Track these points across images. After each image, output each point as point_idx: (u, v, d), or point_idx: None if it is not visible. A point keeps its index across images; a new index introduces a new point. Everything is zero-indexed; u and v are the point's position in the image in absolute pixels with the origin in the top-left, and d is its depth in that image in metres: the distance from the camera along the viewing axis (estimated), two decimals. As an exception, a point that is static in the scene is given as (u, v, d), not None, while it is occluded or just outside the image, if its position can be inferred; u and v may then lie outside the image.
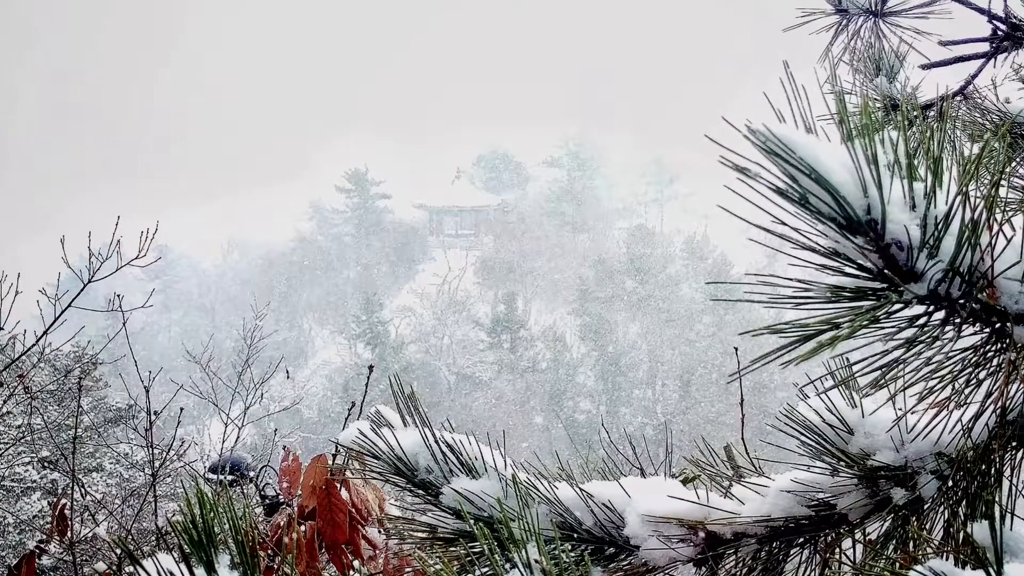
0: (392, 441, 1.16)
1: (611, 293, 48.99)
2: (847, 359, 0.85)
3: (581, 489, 1.06)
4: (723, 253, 51.95)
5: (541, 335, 48.60)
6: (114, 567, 3.31)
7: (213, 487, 6.26)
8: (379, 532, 2.51)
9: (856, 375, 0.83)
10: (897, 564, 0.90)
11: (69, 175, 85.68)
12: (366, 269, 59.23)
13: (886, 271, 0.68)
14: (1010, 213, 0.71)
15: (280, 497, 2.86)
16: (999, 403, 0.80)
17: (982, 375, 0.79)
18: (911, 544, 0.94)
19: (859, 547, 1.01)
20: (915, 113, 1.94)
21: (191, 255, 68.13)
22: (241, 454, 7.42)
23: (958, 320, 0.73)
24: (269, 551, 2.32)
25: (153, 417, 5.55)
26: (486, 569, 1.02)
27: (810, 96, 0.67)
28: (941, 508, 0.93)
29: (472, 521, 0.88)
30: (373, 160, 64.06)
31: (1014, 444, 0.87)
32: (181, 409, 5.97)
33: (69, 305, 4.67)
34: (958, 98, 1.99)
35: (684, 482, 1.14)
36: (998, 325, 0.74)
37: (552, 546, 0.85)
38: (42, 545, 4.39)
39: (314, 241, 64.69)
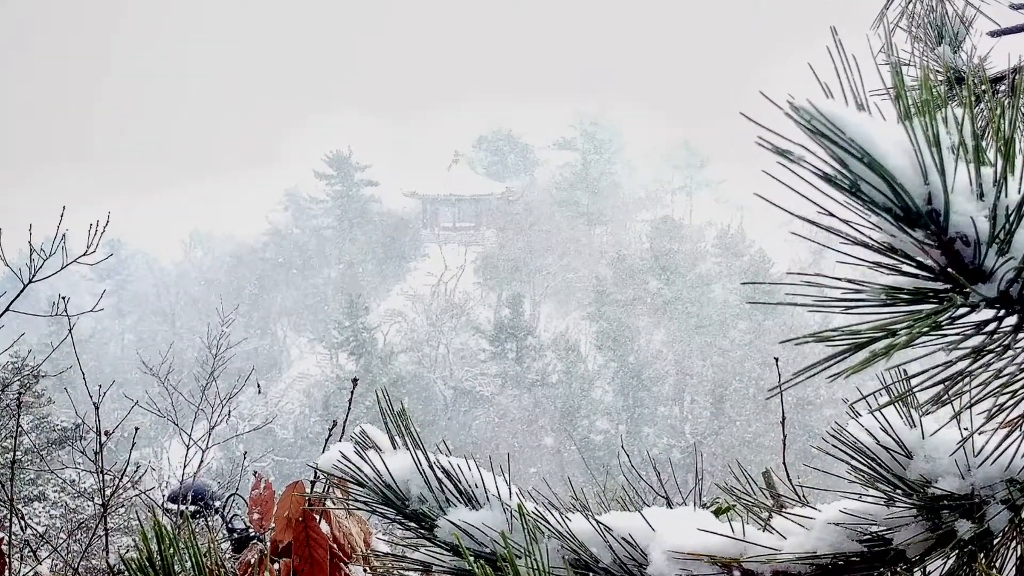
0: (380, 466, 1.16)
1: (632, 295, 48.98)
2: (904, 371, 0.85)
3: (598, 521, 1.07)
4: (761, 249, 51.92)
5: (551, 343, 48.58)
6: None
7: (173, 519, 6.28)
8: (365, 571, 2.51)
9: (915, 390, 0.83)
10: (963, 608, 0.90)
11: (6, 160, 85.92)
12: (349, 267, 59.29)
13: (949, 270, 0.68)
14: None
15: (250, 530, 2.87)
16: (1081, 422, 0.79)
17: (1062, 390, 0.79)
18: (979, 584, 0.94)
19: (919, 588, 1.01)
20: (983, 87, 1.94)
21: (148, 251, 68.37)
22: (205, 481, 7.44)
23: (1033, 326, 0.73)
24: (238, 592, 2.32)
25: (104, 438, 5.56)
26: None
27: (862, 68, 0.67)
28: (1013, 543, 0.93)
29: (472, 558, 0.89)
30: (357, 142, 64.21)
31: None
32: (136, 429, 5.98)
33: (7, 309, 4.68)
34: (1034, 69, 1.98)
35: (717, 513, 1.14)
36: (1080, 333, 0.73)
37: (564, 587, 0.85)
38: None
39: (289, 235, 64.81)
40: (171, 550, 0.83)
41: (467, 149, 69.08)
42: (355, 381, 3.38)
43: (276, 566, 2.46)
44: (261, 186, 68.42)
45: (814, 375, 0.73)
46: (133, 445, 6.31)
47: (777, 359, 2.56)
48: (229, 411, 8.60)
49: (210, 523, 6.19)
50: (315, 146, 65.19)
